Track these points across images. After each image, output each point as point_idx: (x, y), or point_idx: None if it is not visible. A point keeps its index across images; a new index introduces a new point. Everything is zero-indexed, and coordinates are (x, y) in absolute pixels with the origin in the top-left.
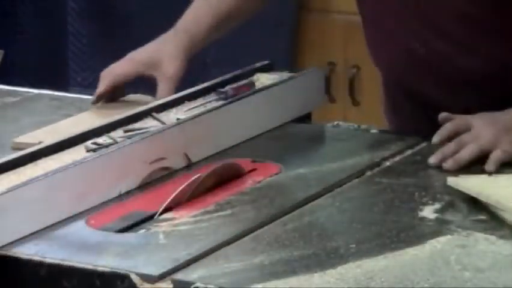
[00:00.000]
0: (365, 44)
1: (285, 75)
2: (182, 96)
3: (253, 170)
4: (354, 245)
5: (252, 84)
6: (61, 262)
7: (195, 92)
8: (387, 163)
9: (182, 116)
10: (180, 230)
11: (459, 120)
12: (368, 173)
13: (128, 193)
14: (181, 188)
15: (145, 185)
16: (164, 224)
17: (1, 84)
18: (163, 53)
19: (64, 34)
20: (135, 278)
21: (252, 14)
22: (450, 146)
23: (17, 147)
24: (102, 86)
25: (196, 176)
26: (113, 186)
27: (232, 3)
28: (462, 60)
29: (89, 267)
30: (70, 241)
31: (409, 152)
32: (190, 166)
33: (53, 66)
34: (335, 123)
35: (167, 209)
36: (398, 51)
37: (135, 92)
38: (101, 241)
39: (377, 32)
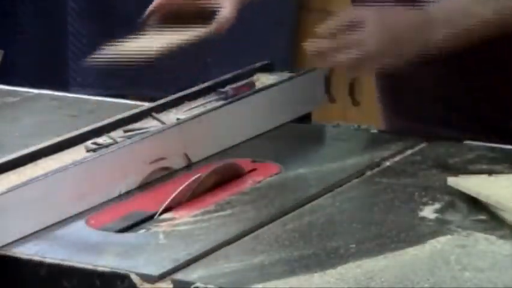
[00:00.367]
0: None
1: (285, 75)
2: (182, 96)
3: (253, 170)
4: (354, 245)
5: (252, 84)
6: (61, 262)
7: (194, 92)
8: (387, 163)
9: (182, 116)
10: (180, 230)
11: (351, 13)
12: (368, 173)
13: (128, 193)
14: (181, 188)
15: (145, 185)
16: (164, 224)
17: (1, 84)
18: None
19: (64, 34)
20: (135, 278)
21: None
22: (331, 42)
23: None
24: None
25: (196, 176)
26: (113, 186)
27: None
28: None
29: (89, 267)
30: (70, 241)
31: (409, 152)
32: (190, 166)
33: (53, 66)
34: (335, 123)
35: (167, 209)
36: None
37: (136, 91)
38: (101, 241)
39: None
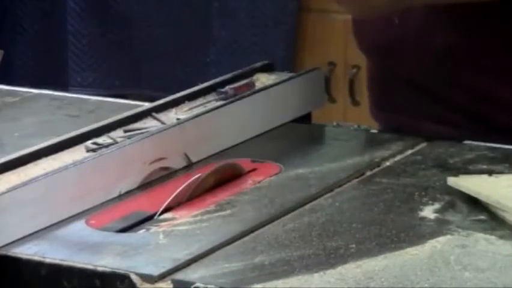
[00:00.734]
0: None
1: (285, 75)
2: (182, 96)
3: (253, 170)
4: (354, 245)
5: (252, 84)
6: (61, 262)
7: (194, 92)
8: (387, 163)
9: (182, 116)
10: (180, 230)
11: None
12: (368, 173)
13: (128, 193)
14: (181, 188)
15: (145, 185)
16: (164, 224)
17: (1, 84)
18: None
19: (64, 34)
20: (135, 278)
21: None
22: None
23: None
24: None
25: (196, 176)
26: (113, 186)
27: None
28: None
29: (89, 267)
30: (70, 241)
31: (409, 152)
32: (190, 166)
33: (53, 66)
34: (335, 123)
35: (167, 209)
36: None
37: (136, 91)
38: (101, 241)
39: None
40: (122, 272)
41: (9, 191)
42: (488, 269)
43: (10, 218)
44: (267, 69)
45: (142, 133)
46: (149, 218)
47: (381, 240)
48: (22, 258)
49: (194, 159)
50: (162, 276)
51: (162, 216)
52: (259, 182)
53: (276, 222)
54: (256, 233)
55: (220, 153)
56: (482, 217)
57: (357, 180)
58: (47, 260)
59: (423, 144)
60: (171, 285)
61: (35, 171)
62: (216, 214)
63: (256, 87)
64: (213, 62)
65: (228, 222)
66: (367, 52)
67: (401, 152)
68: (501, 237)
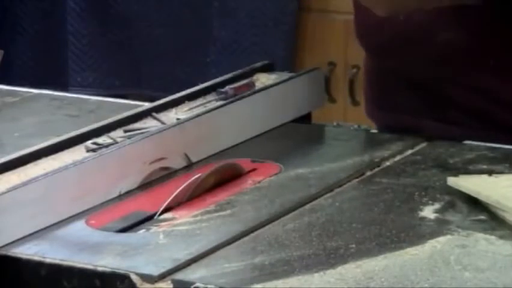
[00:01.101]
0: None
1: (285, 75)
2: (182, 96)
3: (253, 170)
4: (354, 245)
5: (252, 84)
6: (61, 262)
7: (194, 92)
8: (387, 163)
9: (182, 116)
10: (180, 230)
11: None
12: (368, 173)
13: (128, 193)
14: (181, 188)
15: (145, 185)
16: (164, 224)
17: (1, 84)
18: None
19: (64, 34)
20: (135, 278)
21: None
22: None
23: None
24: None
25: (196, 176)
26: (113, 186)
27: None
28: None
29: (89, 267)
30: (70, 241)
31: (409, 152)
32: (190, 166)
33: (53, 66)
34: (335, 123)
35: (167, 209)
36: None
37: (136, 91)
38: (101, 241)
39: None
40: (122, 272)
41: (9, 191)
42: (488, 269)
43: (10, 218)
44: (267, 69)
45: (142, 133)
46: (149, 218)
47: (381, 240)
48: (22, 258)
49: (194, 159)
50: (162, 276)
51: (162, 216)
52: (259, 182)
53: (276, 222)
54: (256, 233)
55: (220, 153)
56: (482, 217)
57: (357, 180)
58: (47, 260)
59: (423, 144)
60: (171, 285)
61: (35, 171)
62: (216, 214)
63: (256, 87)
64: (213, 62)
65: (228, 222)
66: (369, 50)
67: (401, 152)
68: (501, 237)
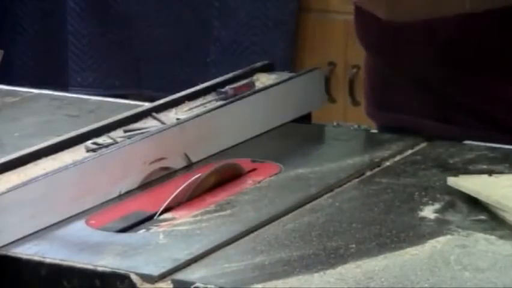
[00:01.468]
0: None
1: (285, 75)
2: (182, 96)
3: (253, 170)
4: (354, 245)
5: (252, 84)
6: (61, 262)
7: (194, 92)
8: (387, 163)
9: (182, 116)
10: (180, 230)
11: None
12: (368, 173)
13: (128, 193)
14: (181, 188)
15: (145, 185)
16: (164, 224)
17: (1, 84)
18: None
19: (64, 34)
20: (135, 278)
21: None
22: None
23: None
24: None
25: (196, 176)
26: (113, 186)
27: None
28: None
29: (89, 267)
30: (70, 241)
31: (409, 152)
32: (190, 166)
33: (53, 66)
34: (335, 123)
35: (167, 209)
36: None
37: (136, 91)
38: (101, 241)
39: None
40: (122, 272)
41: (9, 191)
42: (488, 269)
43: (10, 218)
44: (267, 69)
45: (142, 133)
46: (149, 218)
47: (381, 240)
48: (22, 258)
49: (194, 159)
50: (162, 276)
51: (162, 216)
52: (259, 182)
53: (276, 222)
54: (256, 233)
55: (220, 153)
56: (482, 217)
57: (357, 180)
58: (47, 260)
59: (423, 144)
60: (171, 285)
61: (35, 171)
62: (216, 214)
63: (256, 87)
64: (213, 62)
65: (228, 222)
66: (369, 49)
67: (401, 152)
68: (501, 237)
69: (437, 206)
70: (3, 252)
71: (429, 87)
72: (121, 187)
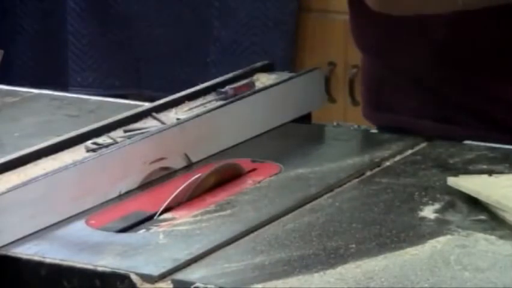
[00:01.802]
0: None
1: (285, 75)
2: (182, 96)
3: (253, 170)
4: (354, 245)
5: (252, 84)
6: (61, 262)
7: (194, 92)
8: (387, 163)
9: (182, 116)
10: (180, 230)
11: None
12: (368, 173)
13: (128, 193)
14: (181, 188)
15: (145, 185)
16: (164, 224)
17: (1, 84)
18: None
19: (64, 34)
20: (135, 278)
21: None
22: None
23: None
24: None
25: (196, 176)
26: (113, 186)
27: None
28: None
29: (89, 267)
30: (70, 241)
31: (409, 152)
32: (190, 166)
33: (53, 66)
34: (335, 123)
35: (167, 209)
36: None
37: (136, 91)
38: (101, 241)
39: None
40: (122, 272)
41: (9, 191)
42: (488, 269)
43: (10, 218)
44: (267, 69)
45: (142, 133)
46: (149, 218)
47: (381, 240)
48: (22, 258)
49: (194, 159)
50: (162, 276)
51: (162, 216)
52: (259, 182)
53: (276, 222)
54: (256, 233)
55: (220, 153)
56: (482, 217)
57: (357, 180)
58: (47, 260)
59: (423, 144)
60: (171, 285)
61: (35, 171)
62: (216, 214)
63: (256, 87)
64: (213, 62)
65: (228, 222)
66: (365, 51)
67: (401, 152)
68: (501, 237)
69: (437, 206)
70: (3, 252)
71: (428, 88)
72: (121, 187)
